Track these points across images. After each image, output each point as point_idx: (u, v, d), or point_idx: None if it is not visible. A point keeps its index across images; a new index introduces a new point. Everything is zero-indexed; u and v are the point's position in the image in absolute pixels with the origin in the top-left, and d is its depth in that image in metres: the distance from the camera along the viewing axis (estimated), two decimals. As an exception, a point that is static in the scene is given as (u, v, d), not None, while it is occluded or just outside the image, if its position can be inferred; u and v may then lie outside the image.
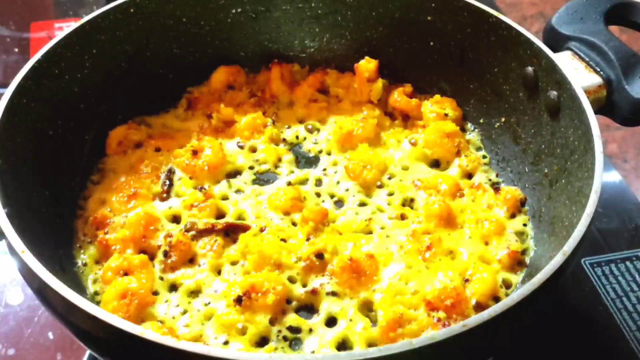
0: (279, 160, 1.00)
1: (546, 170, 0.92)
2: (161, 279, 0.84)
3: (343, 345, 0.78)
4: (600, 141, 0.79)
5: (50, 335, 0.96)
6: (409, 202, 0.94)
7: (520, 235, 0.90)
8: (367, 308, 0.81)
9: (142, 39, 1.03)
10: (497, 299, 0.82)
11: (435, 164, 1.01)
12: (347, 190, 0.96)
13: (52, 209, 0.86)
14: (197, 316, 0.79)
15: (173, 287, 0.83)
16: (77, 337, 0.70)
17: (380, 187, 0.96)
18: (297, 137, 1.04)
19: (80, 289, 0.83)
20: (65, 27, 1.37)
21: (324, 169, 0.99)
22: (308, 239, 0.87)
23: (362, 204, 0.94)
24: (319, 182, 0.97)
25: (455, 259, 0.86)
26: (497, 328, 0.64)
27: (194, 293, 0.82)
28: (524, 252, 0.88)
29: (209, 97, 1.08)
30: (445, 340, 0.59)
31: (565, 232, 0.78)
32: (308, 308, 0.81)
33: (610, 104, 0.91)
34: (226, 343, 0.77)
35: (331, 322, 0.80)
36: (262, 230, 0.88)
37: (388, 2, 1.06)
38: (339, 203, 0.94)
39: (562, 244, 0.69)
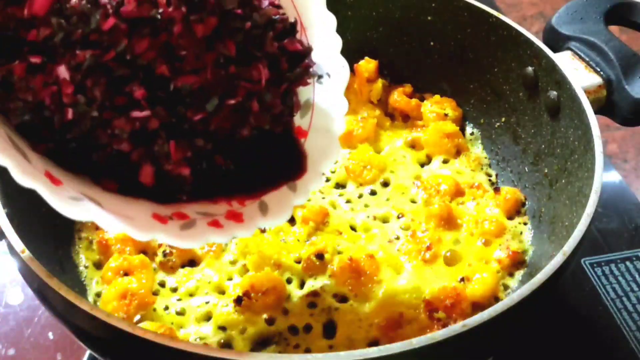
0: (279, 160, 1.00)
1: (546, 170, 0.92)
2: (162, 282, 0.84)
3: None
4: (600, 141, 0.79)
5: (50, 335, 0.96)
6: (408, 202, 0.94)
7: (520, 235, 0.90)
8: (367, 308, 0.81)
9: (142, 39, 1.02)
10: (497, 299, 0.83)
11: (435, 163, 1.00)
12: (347, 190, 0.96)
13: (52, 208, 0.86)
14: (197, 316, 0.79)
15: (173, 288, 0.83)
16: (77, 337, 0.70)
17: (381, 186, 0.96)
18: (297, 137, 1.04)
19: (80, 289, 0.82)
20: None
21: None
22: (308, 239, 0.87)
23: (362, 204, 0.94)
24: (318, 182, 0.97)
25: (455, 259, 0.86)
26: (497, 328, 0.64)
27: (194, 293, 0.82)
28: (524, 252, 0.88)
29: (209, 97, 1.08)
30: (445, 340, 0.59)
31: (565, 232, 0.78)
32: (308, 308, 0.81)
33: (610, 104, 0.91)
34: (226, 343, 0.77)
35: (331, 322, 0.80)
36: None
37: (388, 2, 1.06)
38: (339, 203, 0.94)
39: (562, 244, 0.69)
